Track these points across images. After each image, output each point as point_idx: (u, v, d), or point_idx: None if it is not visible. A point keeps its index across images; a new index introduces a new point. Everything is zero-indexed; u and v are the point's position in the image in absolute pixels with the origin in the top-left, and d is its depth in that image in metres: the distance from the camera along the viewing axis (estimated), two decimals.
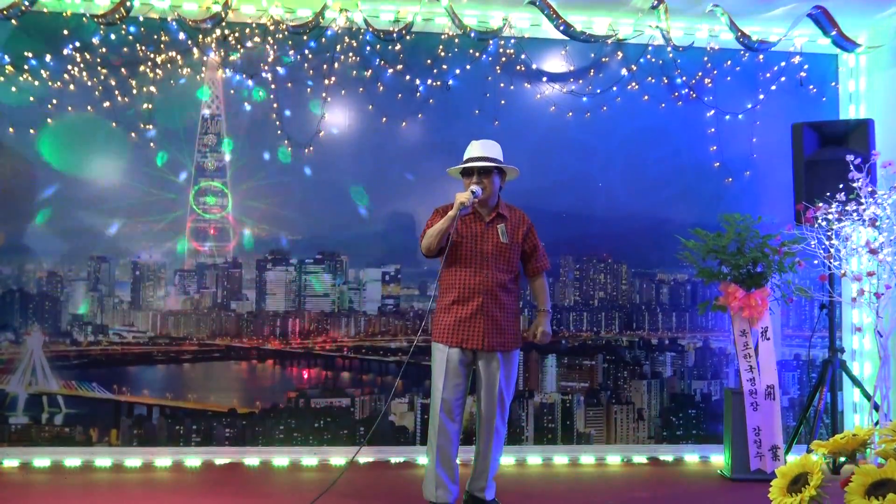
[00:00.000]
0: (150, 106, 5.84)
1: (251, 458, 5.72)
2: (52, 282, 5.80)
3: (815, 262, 5.26)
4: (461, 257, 4.41)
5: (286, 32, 5.83)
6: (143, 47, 5.79)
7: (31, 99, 5.72)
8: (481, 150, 4.49)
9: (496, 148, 4.54)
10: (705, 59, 6.23)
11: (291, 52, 5.92)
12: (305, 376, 6.00)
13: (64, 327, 5.80)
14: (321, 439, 5.86)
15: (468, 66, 6.08)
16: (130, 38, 5.77)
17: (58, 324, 5.79)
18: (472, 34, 5.92)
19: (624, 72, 6.20)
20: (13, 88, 5.71)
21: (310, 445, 5.84)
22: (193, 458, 5.68)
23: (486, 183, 4.41)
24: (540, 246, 4.65)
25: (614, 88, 6.20)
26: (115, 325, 5.87)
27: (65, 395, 5.75)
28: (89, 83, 5.76)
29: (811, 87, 6.36)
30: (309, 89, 5.98)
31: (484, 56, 6.10)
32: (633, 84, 6.20)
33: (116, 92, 5.79)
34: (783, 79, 6.31)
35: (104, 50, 5.77)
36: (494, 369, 4.40)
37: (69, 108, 5.76)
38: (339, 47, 5.95)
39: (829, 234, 5.15)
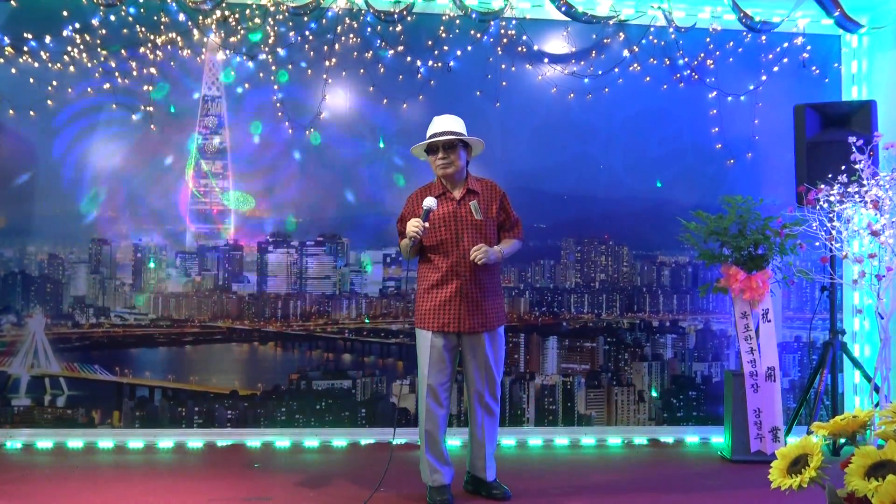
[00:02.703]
0: (151, 87, 5.82)
1: (253, 440, 5.75)
2: (53, 264, 5.80)
3: (817, 244, 5.26)
4: (436, 240, 4.32)
5: (286, 14, 5.80)
6: (143, 28, 5.77)
7: (31, 81, 5.71)
8: (443, 125, 4.39)
9: (459, 122, 4.43)
10: (707, 40, 6.19)
11: (292, 34, 5.89)
12: (307, 356, 6.02)
13: (66, 310, 5.81)
14: (323, 421, 5.88)
15: (469, 48, 6.05)
16: (130, 19, 5.74)
17: (59, 306, 5.80)
18: (474, 15, 5.89)
19: (626, 53, 6.18)
20: (13, 70, 5.69)
21: (311, 427, 5.86)
22: (195, 440, 5.71)
23: (453, 157, 4.32)
24: (513, 215, 4.55)
25: (616, 70, 6.18)
26: (117, 307, 5.88)
27: (67, 377, 5.77)
28: (89, 65, 5.75)
29: (813, 68, 6.33)
30: (310, 71, 5.96)
31: (485, 37, 6.07)
32: (635, 65, 6.17)
33: (116, 73, 5.77)
34: (785, 60, 6.28)
35: (104, 31, 5.75)
36: (481, 350, 4.37)
37: (69, 90, 5.74)
38: (339, 28, 5.93)
39: (831, 215, 5.14)
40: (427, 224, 4.22)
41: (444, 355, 4.33)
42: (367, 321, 6.04)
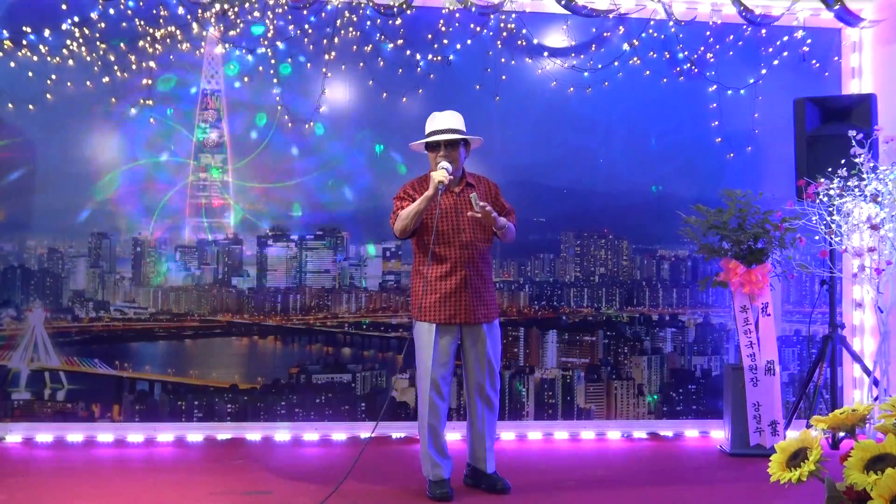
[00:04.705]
0: (150, 81, 5.81)
1: (253, 434, 5.75)
2: (53, 258, 5.80)
3: (816, 237, 5.26)
4: (440, 232, 4.31)
5: (286, 7, 5.78)
6: (142, 22, 5.75)
7: (30, 74, 5.69)
8: (444, 122, 4.39)
9: (459, 118, 4.45)
10: (707, 33, 6.18)
11: (291, 28, 5.88)
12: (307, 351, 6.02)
13: (65, 303, 5.81)
14: (323, 415, 5.88)
15: (469, 41, 6.03)
16: (129, 12, 5.73)
17: (59, 300, 5.80)
18: (473, 8, 5.88)
19: (626, 47, 6.16)
20: (12, 64, 5.68)
21: (311, 421, 5.87)
22: (195, 434, 5.71)
23: (454, 156, 4.33)
24: (507, 205, 4.59)
25: (616, 63, 6.16)
26: (117, 301, 5.88)
27: (67, 371, 5.77)
28: (88, 58, 5.73)
29: (813, 61, 6.31)
30: (309, 64, 5.95)
31: (485, 31, 6.06)
32: (635, 59, 6.15)
33: (115, 67, 5.76)
34: (785, 53, 6.26)
35: (103, 25, 5.73)
36: (482, 341, 4.38)
37: (68, 84, 5.73)
38: (339, 22, 5.91)
39: (831, 209, 5.14)
40: (451, 177, 4.26)
41: (447, 348, 4.34)
42: (365, 323, 6.05)
